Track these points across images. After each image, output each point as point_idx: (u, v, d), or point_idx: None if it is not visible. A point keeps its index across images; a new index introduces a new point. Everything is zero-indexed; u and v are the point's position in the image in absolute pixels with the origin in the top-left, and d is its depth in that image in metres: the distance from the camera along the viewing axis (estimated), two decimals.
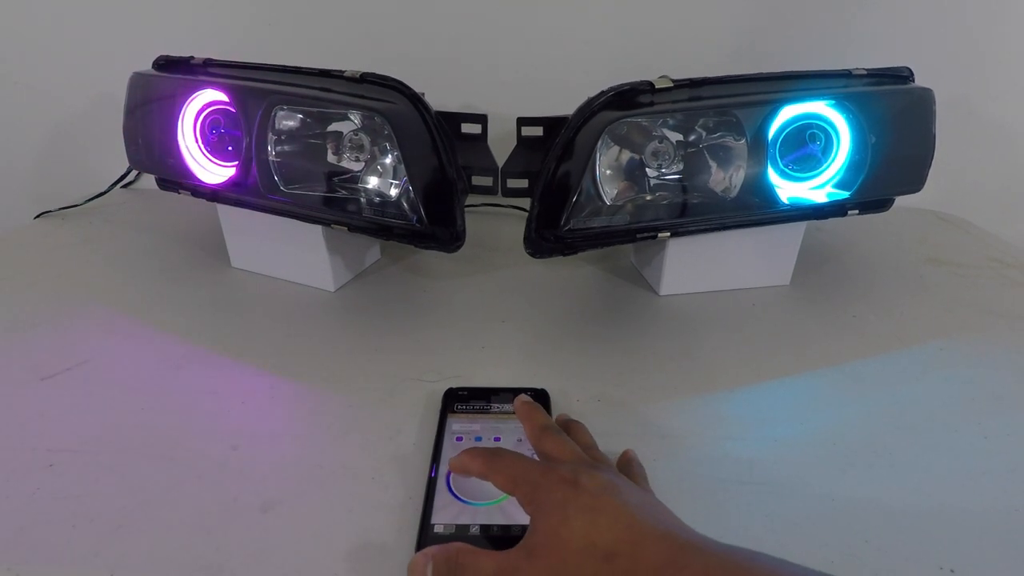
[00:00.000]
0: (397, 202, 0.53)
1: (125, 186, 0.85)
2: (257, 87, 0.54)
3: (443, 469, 0.38)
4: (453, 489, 0.36)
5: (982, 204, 0.84)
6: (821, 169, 0.57)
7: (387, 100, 0.49)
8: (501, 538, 0.33)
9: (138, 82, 0.60)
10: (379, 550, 0.34)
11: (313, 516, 0.36)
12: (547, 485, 0.30)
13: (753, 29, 0.77)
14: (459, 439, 0.40)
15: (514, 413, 0.42)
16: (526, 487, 0.31)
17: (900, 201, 0.59)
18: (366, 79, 0.50)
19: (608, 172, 0.53)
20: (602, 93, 0.49)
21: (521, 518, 0.34)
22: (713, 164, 0.54)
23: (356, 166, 0.55)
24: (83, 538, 0.34)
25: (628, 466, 0.38)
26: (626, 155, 0.54)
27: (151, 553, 0.34)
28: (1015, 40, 0.77)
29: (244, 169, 0.56)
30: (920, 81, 0.56)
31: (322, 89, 0.52)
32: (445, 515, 0.35)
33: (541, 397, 0.45)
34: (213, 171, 0.59)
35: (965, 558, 0.34)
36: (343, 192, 0.55)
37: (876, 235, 0.74)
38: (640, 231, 0.54)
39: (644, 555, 0.27)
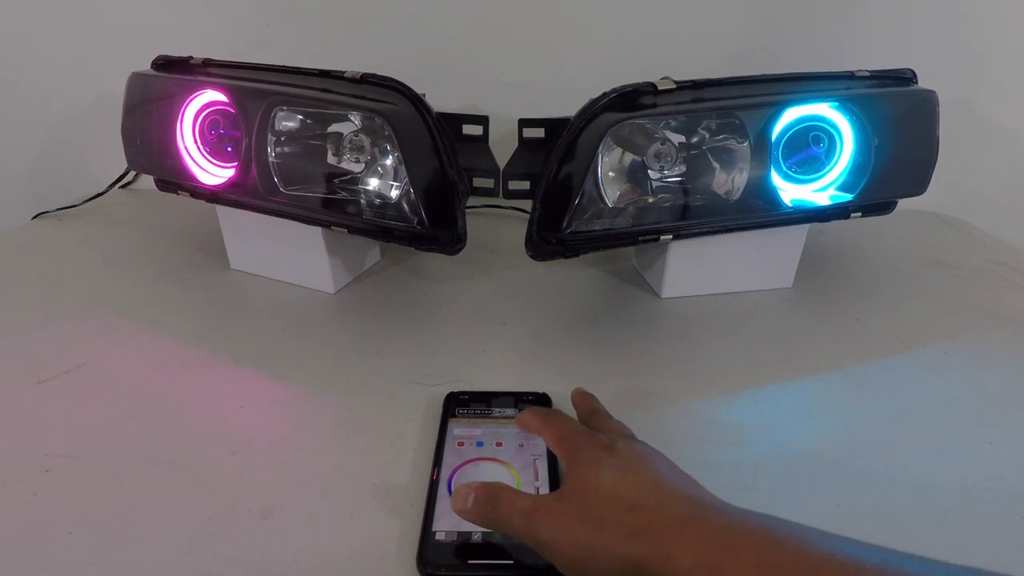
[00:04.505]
0: (397, 204, 0.53)
1: (123, 187, 0.85)
2: (257, 87, 0.53)
3: (444, 474, 0.37)
4: None
5: (983, 206, 0.84)
6: (824, 171, 0.56)
7: (388, 101, 0.49)
8: (503, 546, 0.33)
9: (137, 82, 0.59)
10: (380, 557, 0.34)
11: (313, 522, 0.36)
12: (586, 447, 0.33)
13: (755, 30, 0.77)
14: (460, 444, 0.40)
15: (515, 418, 0.42)
16: (568, 446, 0.34)
17: (901, 203, 0.59)
18: (366, 80, 0.49)
19: (611, 174, 0.53)
20: (604, 95, 0.48)
21: None
22: (716, 166, 0.54)
23: (356, 167, 0.54)
24: (80, 545, 0.34)
25: None
26: (628, 157, 0.54)
27: (149, 561, 0.33)
28: (1016, 42, 0.76)
29: (243, 170, 0.55)
30: (920, 83, 0.56)
31: (322, 90, 0.52)
32: (447, 522, 0.34)
33: (543, 402, 0.45)
34: (212, 172, 0.59)
35: (971, 562, 0.34)
36: (343, 194, 0.54)
37: (877, 237, 0.74)
38: (642, 233, 0.53)
39: (667, 509, 0.29)
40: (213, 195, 0.58)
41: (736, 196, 0.54)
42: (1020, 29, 0.75)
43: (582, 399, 0.42)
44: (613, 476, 0.30)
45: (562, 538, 0.29)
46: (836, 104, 0.53)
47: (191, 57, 0.59)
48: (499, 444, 0.40)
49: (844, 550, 0.25)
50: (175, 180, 0.60)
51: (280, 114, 0.53)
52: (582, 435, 0.34)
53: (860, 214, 0.57)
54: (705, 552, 0.26)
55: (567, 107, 0.52)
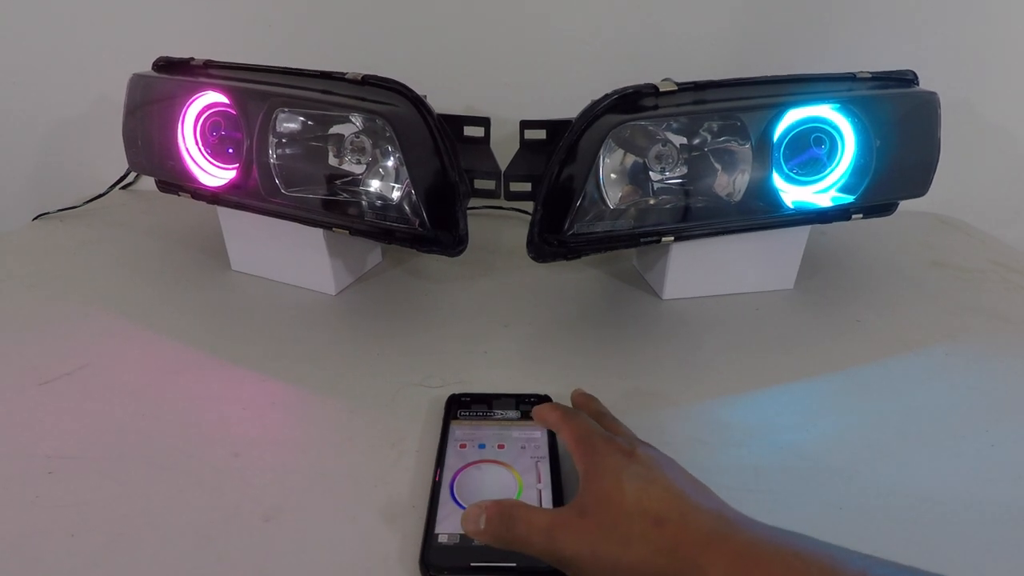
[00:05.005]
0: (399, 205, 0.53)
1: (124, 188, 0.85)
2: (258, 89, 0.53)
3: (447, 476, 0.37)
4: (457, 498, 0.36)
5: (984, 208, 0.84)
6: (826, 173, 0.56)
7: (389, 103, 0.49)
8: (506, 549, 0.33)
9: (138, 83, 0.59)
10: (383, 559, 0.34)
11: (315, 525, 0.36)
12: (605, 451, 0.32)
13: (757, 31, 0.77)
14: (462, 446, 0.40)
15: (517, 419, 0.42)
16: (586, 448, 0.33)
17: (902, 204, 0.59)
18: (368, 81, 0.49)
19: (612, 176, 0.53)
20: (606, 96, 0.48)
21: None
22: (717, 168, 0.54)
23: (357, 169, 0.54)
24: (83, 548, 0.34)
25: None
26: (630, 159, 0.54)
27: (151, 563, 0.33)
28: (1017, 42, 0.76)
29: (245, 172, 0.55)
30: (921, 84, 0.56)
31: (323, 91, 0.52)
32: (449, 524, 0.34)
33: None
34: (213, 173, 0.58)
35: (974, 566, 0.34)
36: (344, 195, 0.54)
37: (878, 238, 0.74)
38: (644, 235, 0.53)
39: (693, 524, 0.28)
40: (214, 196, 0.58)
41: (737, 198, 0.54)
42: (1021, 30, 0.75)
43: (584, 401, 0.42)
44: (636, 487, 0.30)
45: (587, 554, 0.29)
46: (838, 106, 0.53)
47: (192, 58, 0.59)
48: (501, 446, 0.40)
49: (874, 570, 0.25)
50: (176, 181, 0.60)
51: (281, 115, 0.53)
52: (600, 438, 0.33)
53: (861, 216, 0.57)
54: (735, 566, 0.26)
55: (568, 109, 0.52)
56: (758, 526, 0.28)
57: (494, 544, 0.31)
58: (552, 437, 0.41)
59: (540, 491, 0.37)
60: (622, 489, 0.30)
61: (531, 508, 0.31)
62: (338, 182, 0.54)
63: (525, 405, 0.44)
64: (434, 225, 0.50)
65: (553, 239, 0.51)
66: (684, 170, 0.54)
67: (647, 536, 0.28)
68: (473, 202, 0.56)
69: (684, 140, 0.53)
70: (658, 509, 0.29)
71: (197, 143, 0.58)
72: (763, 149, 0.53)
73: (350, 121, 0.54)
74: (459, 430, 0.42)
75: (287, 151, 0.55)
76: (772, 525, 0.28)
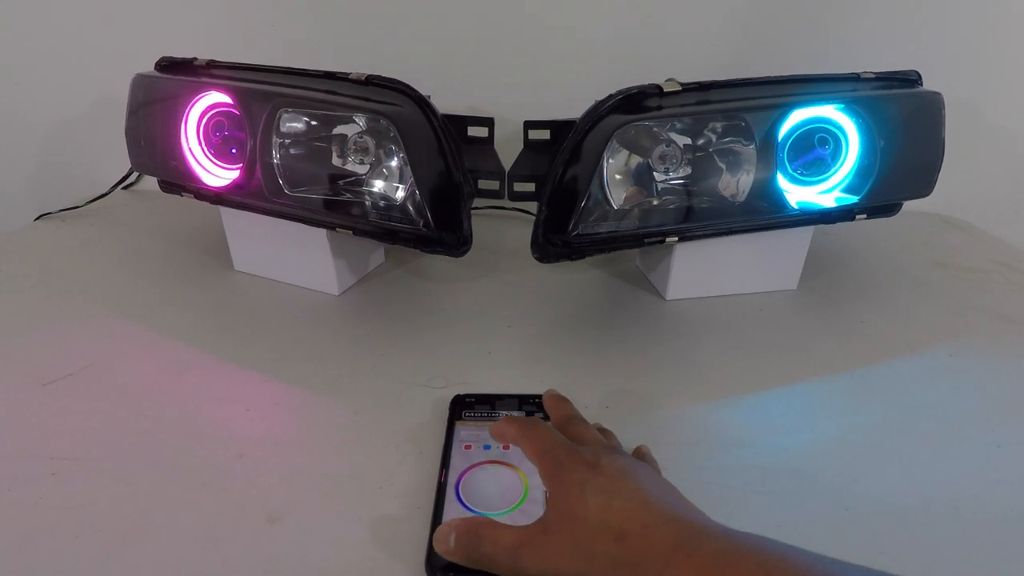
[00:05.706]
0: (403, 206, 0.53)
1: (126, 188, 0.85)
2: (261, 89, 0.53)
3: (452, 477, 0.37)
4: (462, 498, 0.36)
5: (987, 208, 0.84)
6: (830, 173, 0.56)
7: (393, 103, 0.49)
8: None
9: (141, 83, 0.59)
10: (388, 560, 0.34)
11: (321, 526, 0.36)
12: (569, 465, 0.32)
13: (760, 31, 0.77)
14: (467, 447, 0.40)
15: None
16: (550, 462, 0.32)
17: (905, 205, 0.59)
18: (371, 81, 0.49)
19: (617, 176, 0.53)
20: (610, 97, 0.48)
21: None
22: (722, 168, 0.54)
23: (361, 169, 0.54)
24: (86, 549, 0.34)
25: (642, 461, 0.38)
26: (634, 159, 0.54)
27: (156, 564, 0.33)
28: (1018, 42, 0.76)
29: (248, 172, 0.55)
30: (925, 84, 0.56)
31: (327, 91, 0.51)
32: None
33: None
34: (216, 174, 0.58)
35: (980, 567, 0.34)
36: (348, 195, 0.54)
37: (881, 239, 0.74)
38: (648, 236, 0.53)
39: (655, 537, 0.27)
40: (217, 197, 0.58)
41: (741, 198, 0.54)
42: (1022, 29, 0.75)
43: (555, 404, 0.41)
44: (599, 501, 0.29)
45: (551, 573, 0.28)
46: (842, 106, 0.53)
47: (195, 58, 0.58)
48: (506, 447, 0.40)
49: (839, 574, 0.24)
50: (179, 182, 0.60)
51: (285, 116, 0.53)
52: (564, 451, 0.33)
53: (865, 216, 0.57)
54: None
55: (572, 109, 0.52)
56: (725, 534, 0.28)
57: (464, 564, 0.31)
58: None
59: (546, 492, 0.36)
60: (585, 504, 0.29)
61: (498, 526, 0.31)
62: (341, 182, 0.54)
63: (529, 406, 0.44)
64: (438, 225, 0.50)
65: (557, 239, 0.51)
66: (688, 170, 0.54)
67: (609, 553, 0.28)
68: (477, 202, 0.56)
69: (688, 140, 0.53)
70: (620, 522, 0.28)
71: (200, 143, 0.58)
72: (767, 149, 0.53)
73: (354, 121, 0.54)
74: (464, 431, 0.41)
75: (290, 151, 0.55)
76: (741, 532, 0.28)
